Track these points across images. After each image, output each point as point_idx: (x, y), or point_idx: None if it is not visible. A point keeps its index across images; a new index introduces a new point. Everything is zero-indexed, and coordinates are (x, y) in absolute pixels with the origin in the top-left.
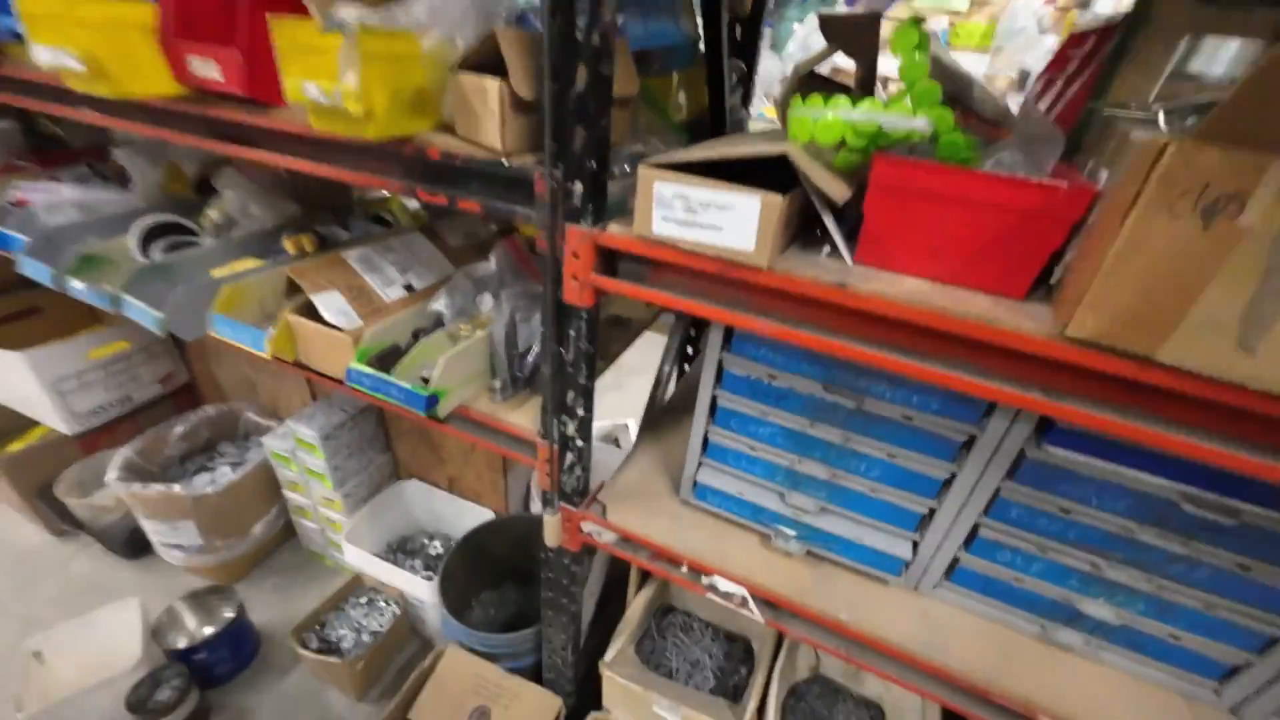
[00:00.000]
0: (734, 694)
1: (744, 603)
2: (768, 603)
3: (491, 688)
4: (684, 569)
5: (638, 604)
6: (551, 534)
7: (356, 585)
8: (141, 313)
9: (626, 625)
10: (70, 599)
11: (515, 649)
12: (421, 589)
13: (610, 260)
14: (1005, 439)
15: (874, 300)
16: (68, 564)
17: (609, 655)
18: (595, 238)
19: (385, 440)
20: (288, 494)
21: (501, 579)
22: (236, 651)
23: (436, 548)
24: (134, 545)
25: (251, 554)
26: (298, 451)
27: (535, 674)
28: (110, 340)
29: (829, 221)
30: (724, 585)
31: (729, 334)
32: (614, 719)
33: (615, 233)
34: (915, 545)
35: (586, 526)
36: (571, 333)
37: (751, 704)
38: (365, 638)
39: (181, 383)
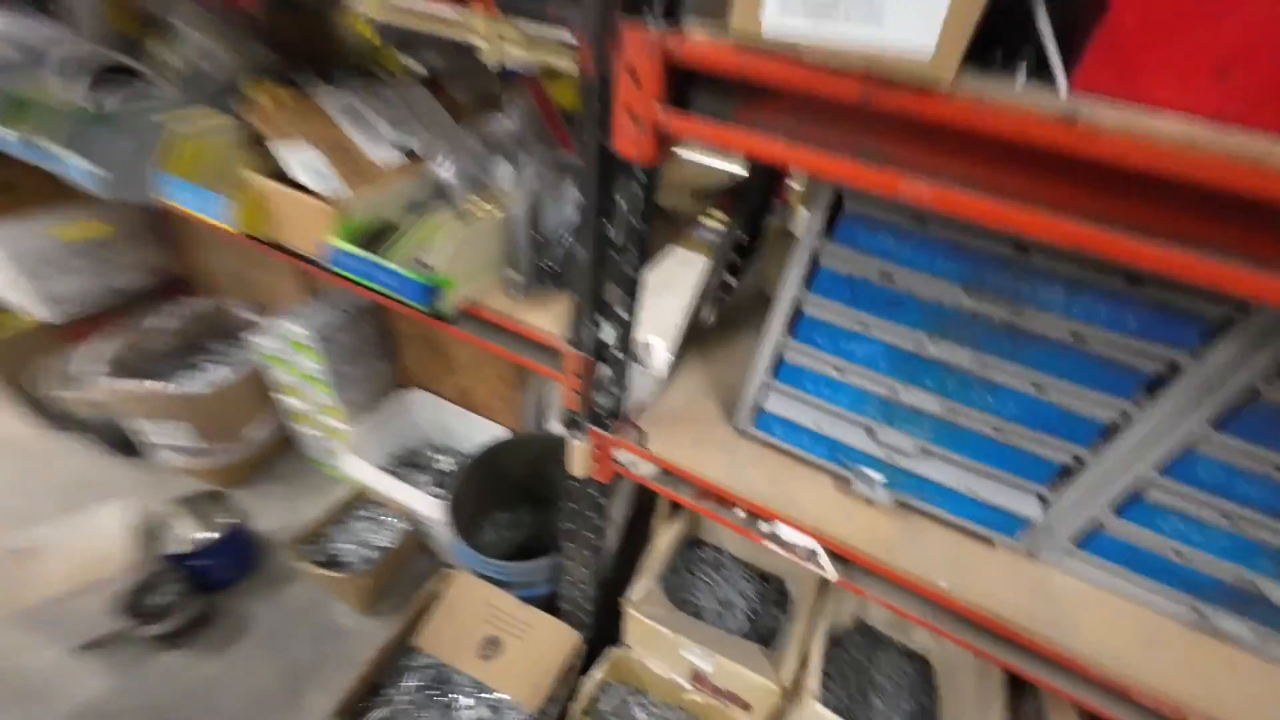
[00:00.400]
0: (768, 639)
1: (812, 557)
2: (841, 558)
3: (504, 617)
4: (738, 512)
5: (666, 537)
6: (578, 462)
7: (360, 499)
8: (81, 170)
9: (653, 559)
10: (61, 496)
11: (530, 578)
12: (429, 506)
13: (681, 86)
14: (1231, 373)
15: (1128, 143)
16: (59, 460)
17: (635, 593)
18: (667, 45)
19: (389, 345)
20: (283, 398)
21: (515, 501)
22: (236, 558)
23: (446, 463)
24: (128, 444)
25: (250, 459)
26: (291, 353)
27: (550, 605)
28: (85, 219)
29: (1042, 18)
30: (788, 535)
31: (834, 213)
32: (636, 657)
33: (699, 39)
34: (1044, 502)
35: (620, 456)
36: (620, 201)
37: (792, 653)
38: (370, 553)
39: (172, 276)
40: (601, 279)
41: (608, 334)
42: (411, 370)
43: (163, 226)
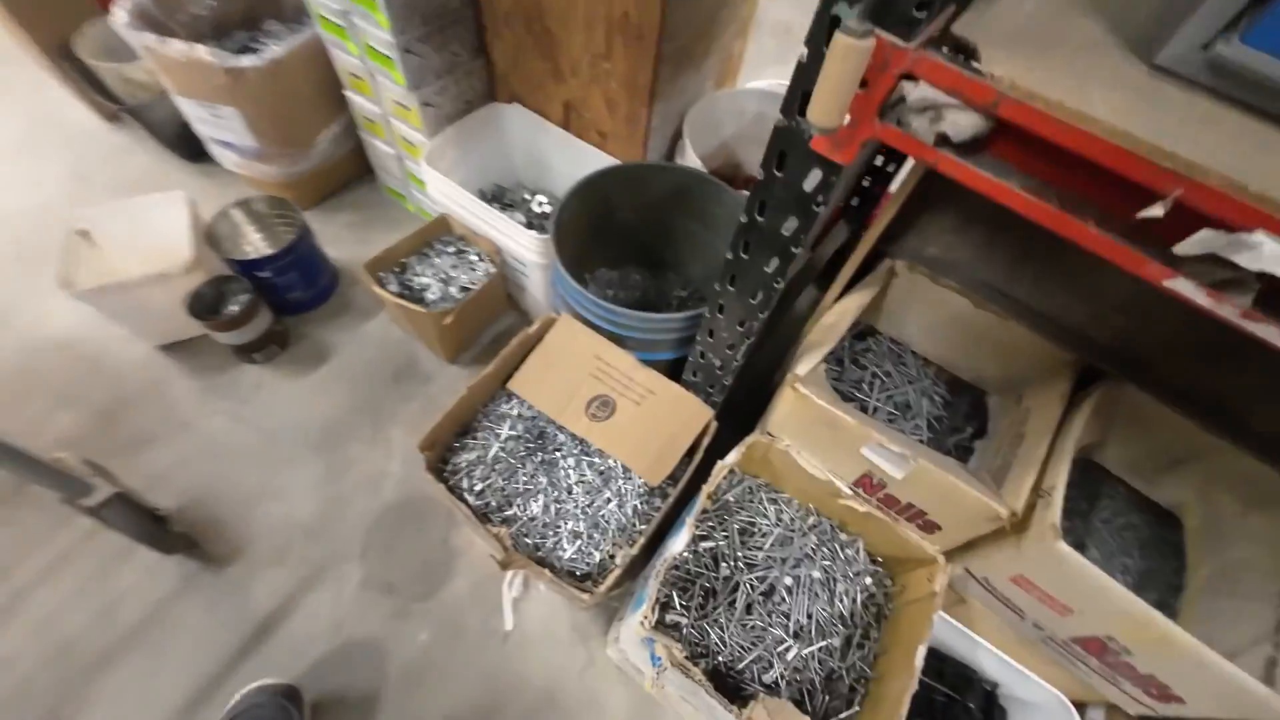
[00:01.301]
0: (958, 458)
1: None
2: None
3: (617, 376)
4: (1155, 208)
5: (840, 310)
6: (826, 97)
7: (443, 229)
8: None
9: (820, 336)
10: (119, 190)
11: (654, 334)
12: (525, 242)
13: None
14: None
15: None
16: (121, 155)
17: (801, 368)
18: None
19: (478, 33)
20: (351, 96)
21: (624, 257)
22: (309, 278)
23: (542, 205)
24: (189, 143)
25: (321, 174)
26: (353, 17)
27: (670, 376)
28: None
29: None
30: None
31: None
32: (783, 448)
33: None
34: None
35: (915, 93)
36: None
37: (1025, 476)
38: (453, 291)
39: None
40: None
41: None
42: (506, 75)
43: None
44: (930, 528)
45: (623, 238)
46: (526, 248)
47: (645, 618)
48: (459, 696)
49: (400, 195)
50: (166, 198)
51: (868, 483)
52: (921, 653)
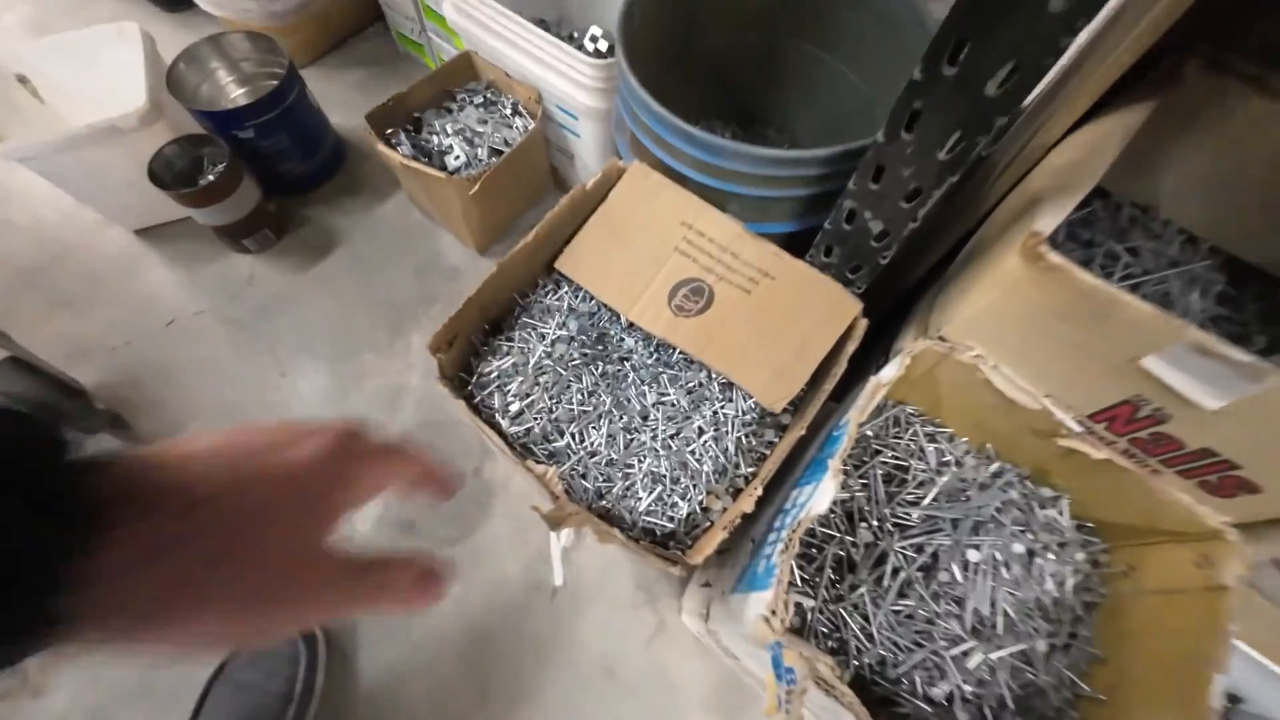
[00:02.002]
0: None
1: None
2: None
3: (715, 253)
4: None
5: (1089, 140)
6: None
7: (467, 72)
8: None
9: (1058, 180)
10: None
11: (775, 187)
12: (578, 73)
13: None
14: None
15: None
16: (86, 2)
17: (1042, 222)
18: None
19: None
20: None
21: (706, 106)
22: (305, 145)
23: (596, 41)
24: None
25: (318, 19)
26: None
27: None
28: None
29: None
30: None
31: None
32: (966, 359)
33: None
34: None
35: None
36: None
37: None
38: (481, 154)
39: None
40: None
41: None
42: None
43: None
44: (1234, 488)
45: (707, 74)
46: (579, 82)
47: (773, 613)
48: (495, 663)
49: (418, 46)
50: (116, 30)
51: (1124, 414)
52: (1219, 688)
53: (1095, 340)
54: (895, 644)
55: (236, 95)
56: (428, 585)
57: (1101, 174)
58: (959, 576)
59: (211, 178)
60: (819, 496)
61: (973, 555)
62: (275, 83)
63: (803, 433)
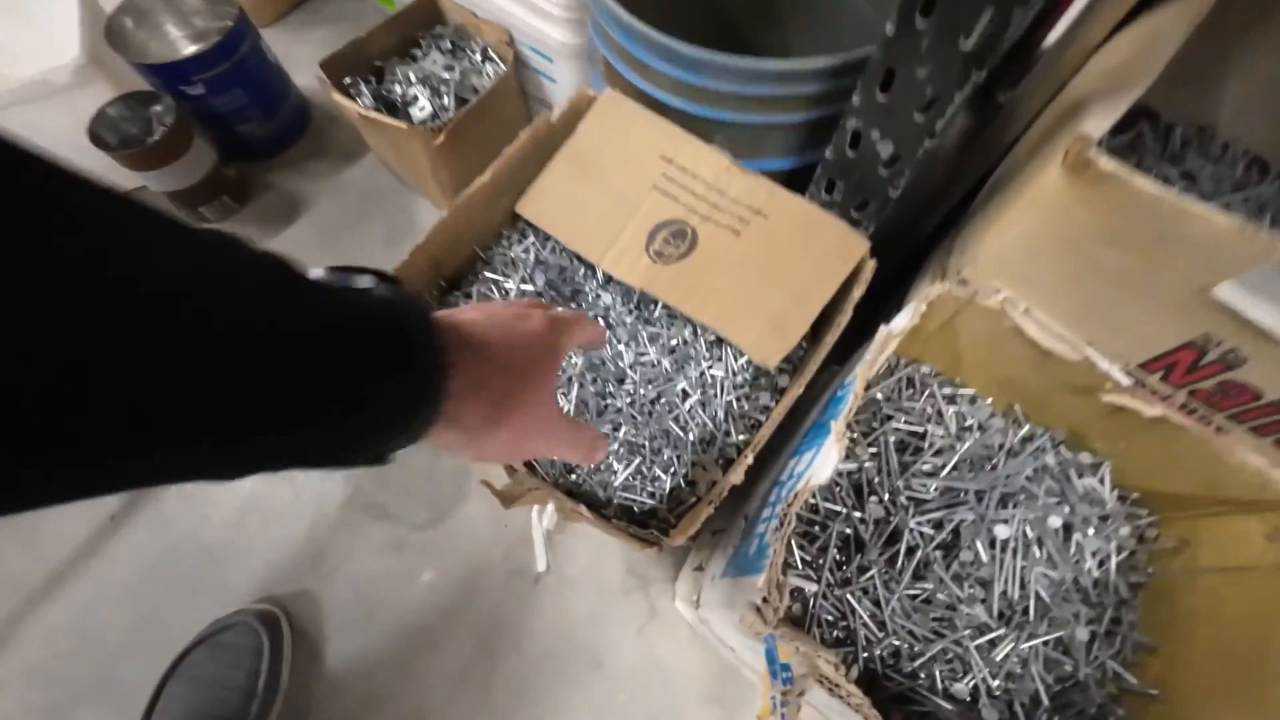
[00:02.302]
0: None
1: None
2: None
3: (699, 190)
4: None
5: (1141, 34)
6: None
7: (432, 14)
8: None
9: (1104, 83)
10: None
11: (767, 111)
12: (552, 5)
13: None
14: None
15: None
16: None
17: (1092, 124)
18: None
19: None
20: None
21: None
22: (263, 103)
23: None
24: None
25: None
26: None
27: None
28: None
29: None
30: None
31: None
32: (1002, 304)
33: None
34: None
35: None
36: None
37: None
38: (448, 103)
39: None
40: None
41: None
42: None
43: None
44: None
45: (697, 6)
46: (551, 14)
47: (765, 600)
48: (473, 655)
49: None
50: None
51: (1185, 360)
52: None
53: (1154, 269)
54: (911, 633)
55: (189, 52)
56: (600, 445)
57: (1160, 69)
58: (984, 555)
59: (157, 137)
60: (820, 464)
61: (1000, 531)
62: (224, 25)
63: (800, 392)
